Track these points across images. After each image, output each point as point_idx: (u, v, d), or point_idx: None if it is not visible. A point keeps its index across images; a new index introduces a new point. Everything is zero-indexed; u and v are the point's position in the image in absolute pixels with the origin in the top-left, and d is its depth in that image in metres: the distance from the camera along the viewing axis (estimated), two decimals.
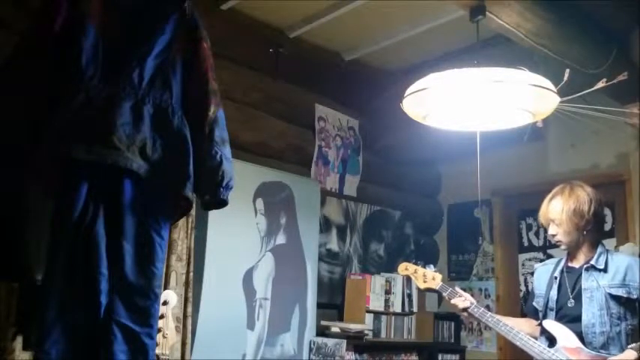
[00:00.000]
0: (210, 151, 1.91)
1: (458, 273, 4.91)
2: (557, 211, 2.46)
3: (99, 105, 1.78)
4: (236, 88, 3.68)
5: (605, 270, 2.42)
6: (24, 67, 1.82)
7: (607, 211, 4.10)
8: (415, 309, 4.53)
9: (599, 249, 2.48)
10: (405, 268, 2.91)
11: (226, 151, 1.96)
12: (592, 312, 2.37)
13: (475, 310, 2.58)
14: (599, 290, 2.39)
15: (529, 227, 4.53)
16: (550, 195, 2.54)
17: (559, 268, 2.56)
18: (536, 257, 4.44)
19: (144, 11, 1.93)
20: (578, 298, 2.44)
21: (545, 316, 2.52)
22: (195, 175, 1.88)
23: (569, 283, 2.49)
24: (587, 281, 2.43)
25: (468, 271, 4.84)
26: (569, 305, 2.45)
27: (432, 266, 2.88)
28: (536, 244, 4.47)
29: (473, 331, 4.72)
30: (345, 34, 4.04)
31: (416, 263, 2.90)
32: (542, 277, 2.62)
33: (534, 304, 2.61)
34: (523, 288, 4.49)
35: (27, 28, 1.92)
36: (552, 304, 2.50)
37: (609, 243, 3.92)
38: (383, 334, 4.31)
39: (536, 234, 4.47)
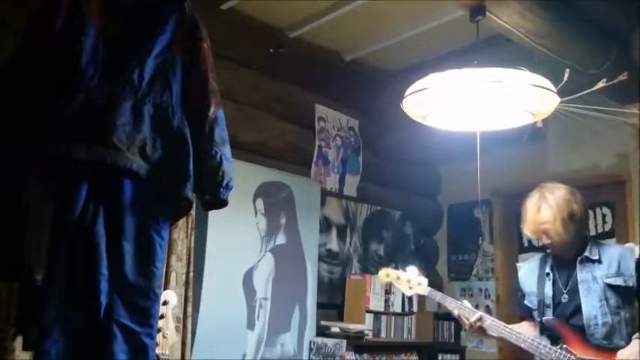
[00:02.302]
0: (210, 151, 1.91)
1: (458, 273, 4.91)
2: (550, 221, 2.41)
3: (99, 105, 1.78)
4: (236, 88, 3.68)
5: (599, 261, 2.42)
6: (24, 67, 1.82)
7: (607, 211, 4.12)
8: (415, 309, 4.53)
9: (590, 240, 2.49)
10: (386, 275, 2.77)
11: (226, 151, 1.96)
12: (592, 304, 2.37)
13: (484, 319, 2.50)
14: (595, 281, 2.39)
15: None
16: (532, 205, 2.46)
17: (548, 263, 2.54)
18: None
19: (144, 11, 1.93)
20: (574, 291, 2.43)
21: (542, 314, 2.50)
22: (195, 175, 1.88)
23: (562, 278, 2.48)
24: (583, 273, 2.42)
25: (468, 271, 4.84)
26: (564, 300, 2.44)
27: (413, 268, 2.74)
28: (536, 244, 4.45)
29: None
30: (345, 34, 4.04)
31: (396, 267, 2.78)
32: (530, 274, 2.59)
33: (527, 302, 2.58)
34: None
35: (27, 28, 1.92)
36: (549, 300, 2.48)
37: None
38: (383, 334, 4.31)
39: None
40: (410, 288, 2.69)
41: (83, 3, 1.84)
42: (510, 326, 2.52)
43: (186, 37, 1.96)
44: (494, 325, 2.50)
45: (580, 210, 2.44)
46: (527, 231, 2.51)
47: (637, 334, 2.30)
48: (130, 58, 1.86)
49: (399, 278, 2.72)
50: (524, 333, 2.48)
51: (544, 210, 2.43)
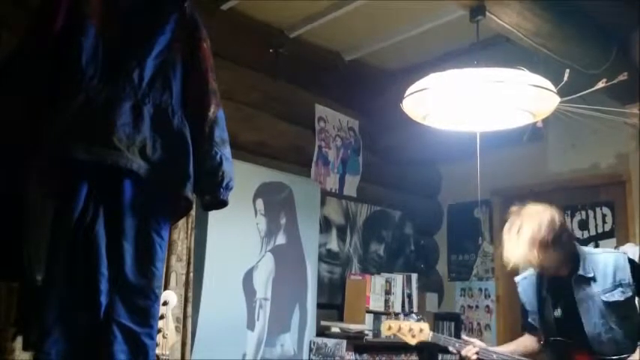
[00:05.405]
0: (210, 151, 1.91)
1: (458, 273, 4.91)
2: (526, 252, 2.34)
3: (99, 105, 1.78)
4: (236, 88, 3.68)
5: (594, 278, 2.36)
6: (24, 67, 1.82)
7: (607, 211, 4.12)
8: (415, 309, 4.52)
9: (580, 254, 2.42)
10: (388, 327, 2.82)
11: (226, 151, 1.96)
12: (593, 322, 2.33)
13: (486, 354, 2.52)
14: (593, 300, 2.35)
15: None
16: (509, 236, 2.39)
17: (544, 283, 2.50)
18: None
19: (144, 11, 1.93)
20: (573, 311, 2.38)
21: (548, 336, 2.47)
22: (195, 175, 1.88)
23: (561, 298, 2.44)
24: (580, 293, 2.38)
25: (468, 271, 4.84)
26: (565, 321, 2.41)
27: (413, 316, 2.83)
28: None
29: (473, 332, 4.72)
30: (345, 34, 4.04)
31: (397, 318, 2.82)
32: (529, 291, 2.56)
33: (531, 321, 2.57)
34: None
35: (27, 28, 1.92)
36: (551, 323, 2.45)
37: (609, 243, 3.92)
38: (383, 334, 4.30)
39: None
40: (413, 337, 2.75)
41: (83, 3, 1.84)
42: (505, 349, 2.56)
43: (186, 37, 1.96)
44: (493, 355, 2.53)
45: (558, 232, 2.35)
46: (509, 259, 2.39)
47: None
48: (130, 58, 1.86)
49: (400, 329, 2.77)
50: (526, 348, 2.51)
51: (521, 244, 2.34)
